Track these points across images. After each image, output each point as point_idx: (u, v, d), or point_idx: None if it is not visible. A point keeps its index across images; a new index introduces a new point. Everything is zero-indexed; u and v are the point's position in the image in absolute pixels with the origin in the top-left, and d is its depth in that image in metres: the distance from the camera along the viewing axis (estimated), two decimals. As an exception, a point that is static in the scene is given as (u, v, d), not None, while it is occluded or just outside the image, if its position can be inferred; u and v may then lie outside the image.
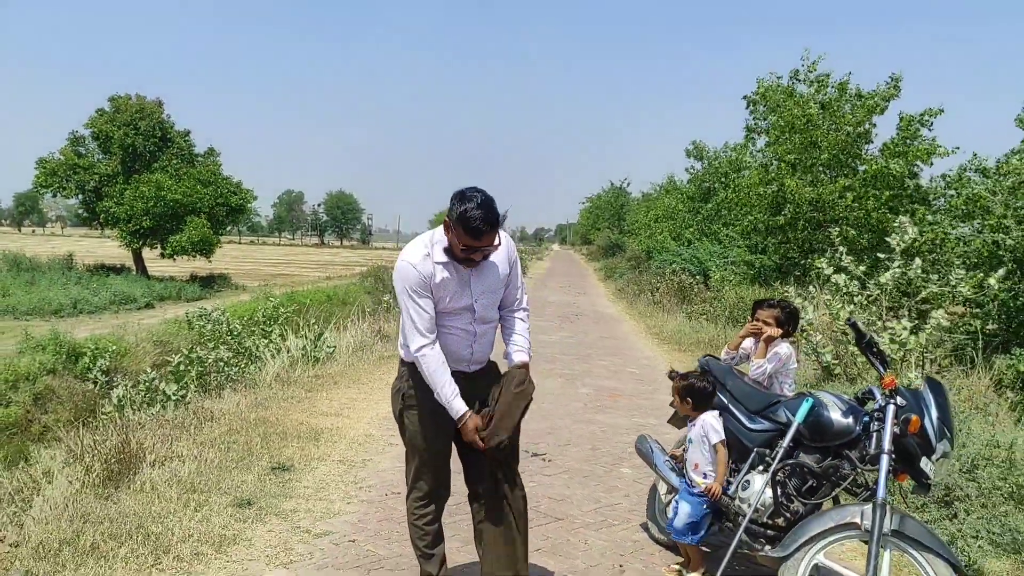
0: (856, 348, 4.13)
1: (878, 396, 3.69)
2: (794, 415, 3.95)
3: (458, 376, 3.43)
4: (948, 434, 3.61)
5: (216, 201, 37.06)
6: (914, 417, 3.52)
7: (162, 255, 36.85)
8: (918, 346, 8.84)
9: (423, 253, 3.35)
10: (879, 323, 9.09)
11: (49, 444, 8.76)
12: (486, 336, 3.56)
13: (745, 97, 18.55)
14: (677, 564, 4.33)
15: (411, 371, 3.51)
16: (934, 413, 3.60)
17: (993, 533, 4.87)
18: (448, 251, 3.32)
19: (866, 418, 3.73)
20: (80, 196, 36.96)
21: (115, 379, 12.71)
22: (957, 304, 11.61)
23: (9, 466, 7.30)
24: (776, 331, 4.57)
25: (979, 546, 4.53)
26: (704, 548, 4.24)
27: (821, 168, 16.22)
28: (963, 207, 13.26)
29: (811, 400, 3.94)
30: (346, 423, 7.24)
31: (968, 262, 12.41)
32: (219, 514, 4.76)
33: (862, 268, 9.71)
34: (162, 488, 5.07)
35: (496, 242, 3.32)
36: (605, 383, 9.94)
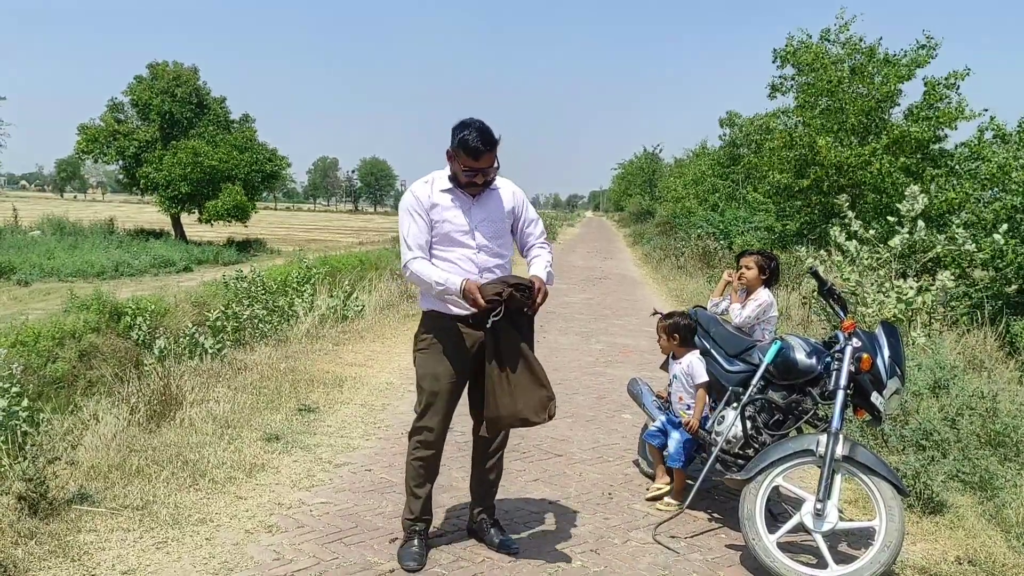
0: (818, 294, 4.46)
1: (840, 339, 4.07)
2: (765, 356, 4.35)
3: (469, 323, 3.65)
4: (899, 372, 3.99)
5: (251, 168, 37.72)
6: (865, 356, 3.90)
7: (199, 220, 37.69)
8: (924, 306, 9.11)
9: (424, 181, 3.73)
10: (887, 284, 9.36)
11: (95, 397, 9.40)
12: (492, 274, 3.68)
13: (775, 51, 18.27)
14: (661, 485, 4.75)
15: (425, 317, 3.79)
16: (886, 353, 3.98)
17: (964, 473, 5.23)
18: (452, 178, 3.66)
19: (827, 359, 4.13)
20: (120, 162, 37.82)
21: (156, 336, 13.35)
22: (976, 267, 11.82)
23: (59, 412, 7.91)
24: (754, 275, 4.92)
25: (943, 482, 4.89)
26: (688, 481, 4.66)
27: (845, 132, 16.27)
28: (989, 175, 13.34)
29: (779, 343, 4.33)
30: (369, 372, 7.74)
31: (984, 222, 12.56)
32: (250, 446, 5.28)
33: (872, 232, 9.95)
34: (199, 424, 5.60)
35: (495, 164, 3.63)
36: (619, 340, 10.34)
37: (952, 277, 9.40)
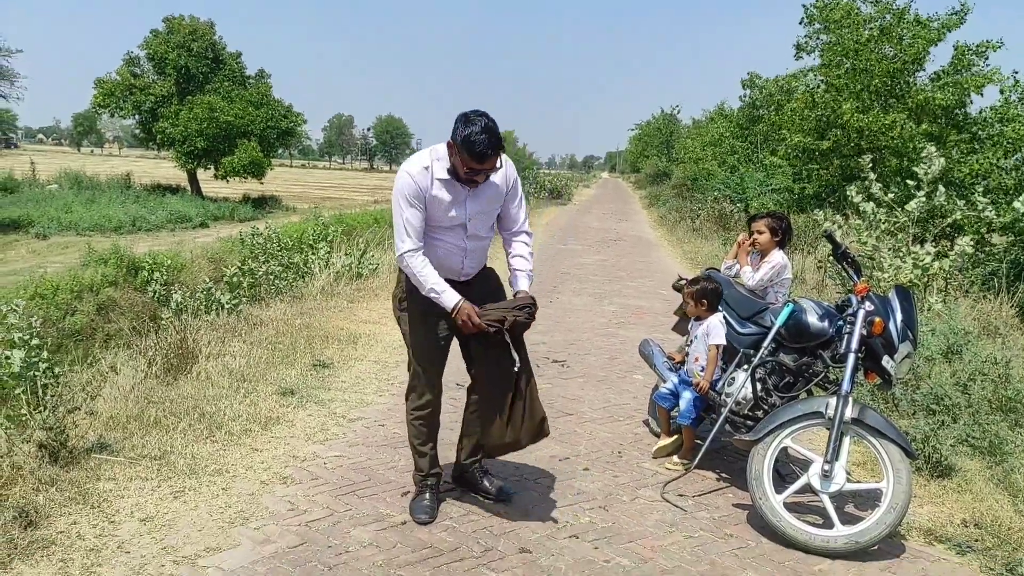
0: (832, 258, 4.44)
1: (853, 302, 4.07)
2: (777, 319, 4.35)
3: (451, 284, 3.65)
4: (911, 336, 3.99)
5: (267, 124, 37.65)
6: (878, 319, 3.90)
7: (215, 176, 37.75)
8: (941, 272, 9.06)
9: (423, 166, 3.50)
10: (904, 250, 9.30)
11: (113, 350, 9.52)
12: (477, 252, 3.74)
13: (804, 6, 17.90)
14: (666, 442, 4.80)
15: (406, 277, 3.75)
16: (899, 317, 3.97)
17: (973, 438, 5.25)
18: (451, 171, 3.51)
19: (839, 322, 4.13)
20: (136, 116, 37.84)
21: (172, 291, 13.46)
22: (995, 232, 11.71)
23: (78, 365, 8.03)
24: (767, 239, 4.92)
25: (952, 446, 4.91)
26: (697, 441, 4.70)
27: (869, 95, 16.01)
28: (1014, 137, 13.14)
29: (792, 306, 4.33)
30: (383, 330, 7.80)
31: (1006, 188, 12.43)
32: (265, 400, 5.36)
33: (891, 196, 9.86)
34: (215, 378, 5.68)
35: (499, 164, 3.55)
36: (632, 302, 10.35)
37: (971, 243, 9.34)
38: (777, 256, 4.94)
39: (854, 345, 3.90)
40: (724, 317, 4.71)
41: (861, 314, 3.94)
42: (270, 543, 3.49)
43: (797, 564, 3.62)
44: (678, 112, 59.73)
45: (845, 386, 3.82)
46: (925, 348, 6.50)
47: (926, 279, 9.02)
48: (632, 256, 15.96)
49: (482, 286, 3.82)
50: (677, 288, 5.20)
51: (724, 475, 4.66)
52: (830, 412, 3.82)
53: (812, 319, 4.24)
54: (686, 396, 4.63)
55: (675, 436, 4.78)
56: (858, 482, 4.30)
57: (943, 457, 4.76)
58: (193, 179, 38.88)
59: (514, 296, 3.77)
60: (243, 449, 4.55)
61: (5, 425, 4.29)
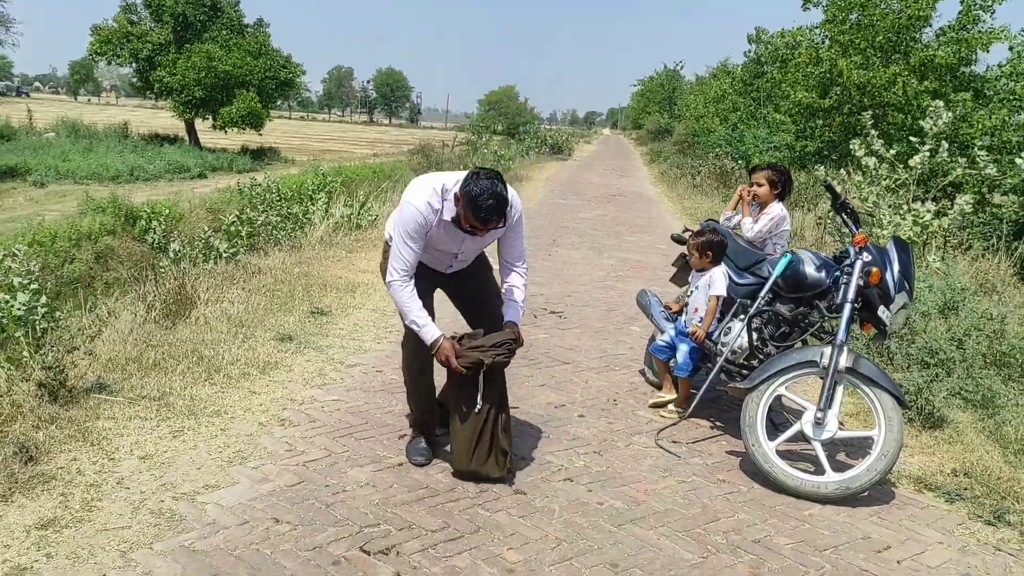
0: (831, 209, 4.43)
1: (851, 253, 4.07)
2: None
3: (438, 274, 3.80)
4: (908, 287, 4.00)
5: (265, 74, 37.20)
6: (875, 269, 3.90)
7: (214, 127, 37.41)
8: (940, 229, 9.05)
9: (433, 208, 3.51)
10: (904, 207, 9.28)
11: (112, 296, 9.53)
12: (466, 262, 3.87)
13: None
14: (665, 395, 4.84)
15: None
16: (896, 268, 3.98)
17: (966, 391, 5.29)
18: (455, 219, 3.51)
19: (837, 272, 4.14)
20: (134, 64, 37.36)
21: (171, 240, 13.43)
22: (996, 191, 11.67)
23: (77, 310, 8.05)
24: (766, 191, 4.91)
25: (944, 398, 4.95)
26: (692, 391, 4.73)
27: (873, 51, 15.84)
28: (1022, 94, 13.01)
29: (790, 256, 4.33)
30: (381, 280, 7.79)
31: (1009, 146, 12.34)
32: (263, 345, 5.38)
33: (893, 152, 9.80)
34: (214, 323, 5.70)
35: (502, 224, 3.53)
36: (631, 256, 10.35)
37: (971, 202, 9.32)
38: (776, 208, 4.93)
39: (851, 295, 3.92)
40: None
41: (859, 264, 3.95)
42: (268, 482, 3.54)
43: (788, 508, 3.67)
44: (682, 68, 59.25)
45: (841, 335, 3.84)
46: (921, 304, 6.52)
47: (925, 237, 9.02)
48: (632, 211, 15.92)
49: (472, 273, 3.93)
50: (678, 240, 5.20)
51: (718, 424, 4.71)
52: (825, 361, 3.85)
53: (810, 269, 4.25)
54: (683, 349, 4.66)
55: (674, 392, 4.81)
56: (850, 431, 4.34)
57: (935, 409, 4.80)
58: (191, 129, 38.53)
59: (503, 324, 3.76)
60: (241, 392, 4.58)
61: (5, 367, 4.31)
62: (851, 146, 10.24)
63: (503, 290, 3.90)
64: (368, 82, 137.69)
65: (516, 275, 3.88)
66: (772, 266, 4.45)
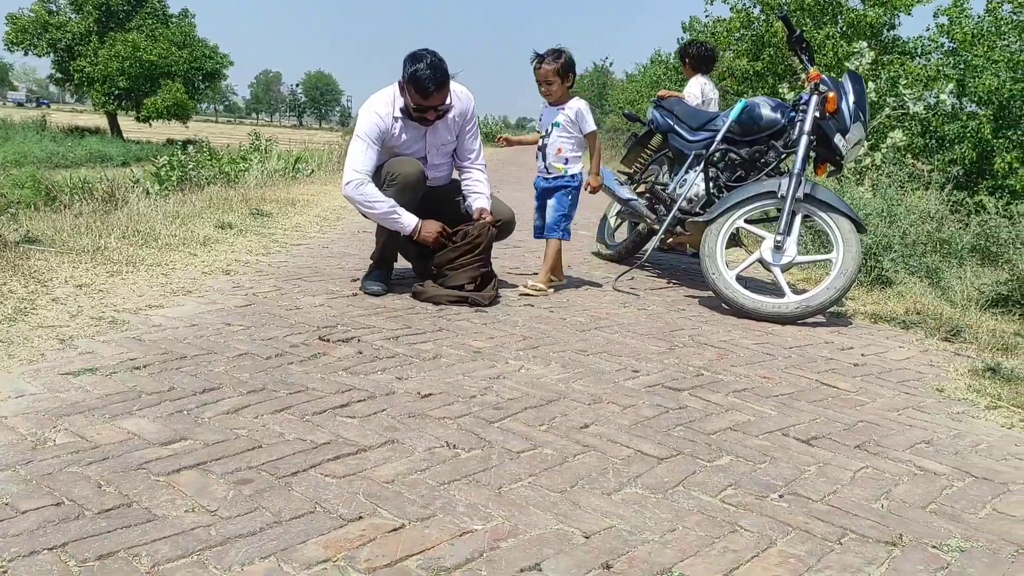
0: (787, 43, 4.43)
1: (804, 98, 4.08)
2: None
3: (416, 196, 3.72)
4: (863, 118, 4.03)
5: (191, 65, 36.41)
6: (831, 94, 3.92)
7: (137, 118, 36.41)
8: (873, 165, 9.27)
9: (388, 106, 3.61)
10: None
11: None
12: (440, 171, 3.91)
13: None
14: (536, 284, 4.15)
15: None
16: (851, 98, 4.00)
17: (911, 267, 5.39)
18: (403, 110, 3.58)
19: (792, 113, 4.15)
20: (52, 55, 36.16)
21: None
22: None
23: None
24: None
25: (891, 261, 5.03)
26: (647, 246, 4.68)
27: (802, 13, 16.17)
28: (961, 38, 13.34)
29: (744, 101, 4.33)
30: (322, 200, 7.62)
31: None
32: (203, 228, 5.16)
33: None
34: (149, 214, 5.44)
35: (448, 101, 3.58)
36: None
37: (904, 139, 9.57)
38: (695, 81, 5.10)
39: (807, 127, 3.93)
40: (675, 130, 4.70)
41: (814, 100, 3.96)
42: (216, 305, 3.36)
43: (751, 324, 3.65)
44: (611, 65, 59.77)
45: (798, 164, 3.84)
46: (862, 208, 6.63)
47: (860, 172, 9.22)
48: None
49: (449, 193, 3.97)
50: (631, 117, 5.22)
51: (673, 279, 4.68)
52: (783, 191, 3.84)
53: (765, 111, 4.26)
54: (551, 204, 4.11)
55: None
56: (809, 256, 4.29)
57: (884, 270, 4.87)
58: (113, 122, 37.44)
59: (476, 214, 3.83)
60: (181, 254, 4.37)
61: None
62: (780, 91, 10.44)
63: (463, 186, 3.96)
64: (297, 86, 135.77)
65: (475, 171, 3.95)
66: (726, 118, 4.45)
